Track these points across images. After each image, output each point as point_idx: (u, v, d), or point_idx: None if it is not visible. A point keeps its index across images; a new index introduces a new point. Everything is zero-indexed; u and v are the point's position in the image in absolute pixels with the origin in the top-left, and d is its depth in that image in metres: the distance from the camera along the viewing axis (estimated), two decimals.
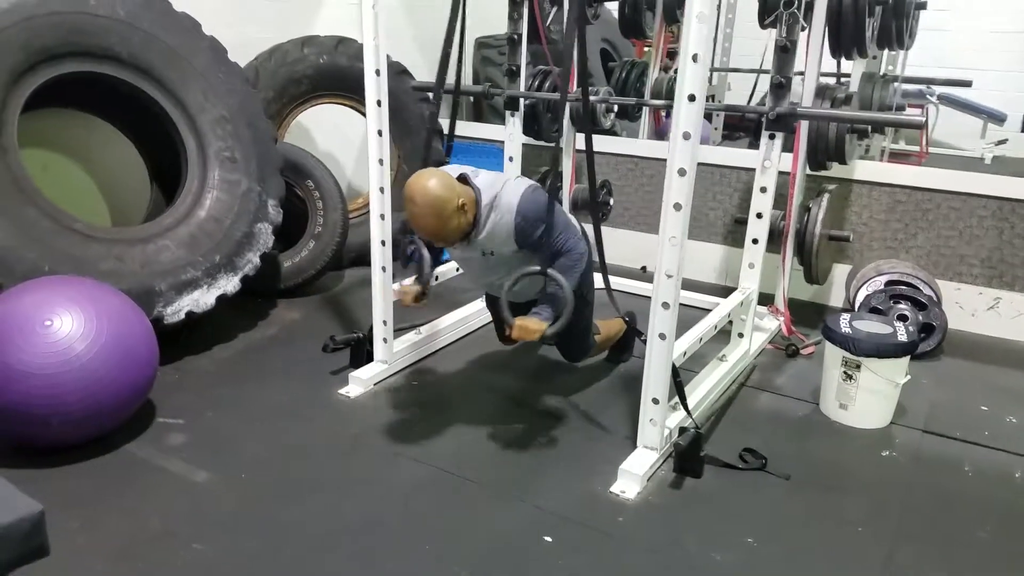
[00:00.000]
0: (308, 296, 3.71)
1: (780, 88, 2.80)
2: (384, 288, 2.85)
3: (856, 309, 3.42)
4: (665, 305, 2.26)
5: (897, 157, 5.04)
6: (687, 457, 2.36)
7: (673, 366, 2.36)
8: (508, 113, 3.47)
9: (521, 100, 3.47)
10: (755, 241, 3.02)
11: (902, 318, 3.26)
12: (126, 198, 3.50)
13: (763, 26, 2.80)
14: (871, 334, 2.67)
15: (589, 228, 2.64)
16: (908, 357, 2.68)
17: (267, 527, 2.09)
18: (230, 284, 3.05)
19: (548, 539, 2.07)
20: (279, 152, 3.40)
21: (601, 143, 4.29)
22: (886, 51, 3.90)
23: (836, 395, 2.75)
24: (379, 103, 2.67)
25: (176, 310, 2.89)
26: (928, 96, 5.44)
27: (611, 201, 3.92)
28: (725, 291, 3.71)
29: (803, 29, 2.76)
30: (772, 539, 2.12)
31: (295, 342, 3.20)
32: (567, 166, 3.90)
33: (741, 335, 3.11)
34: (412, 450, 2.47)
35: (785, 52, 2.77)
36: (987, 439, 2.64)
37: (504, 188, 2.33)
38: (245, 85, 3.33)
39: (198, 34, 3.20)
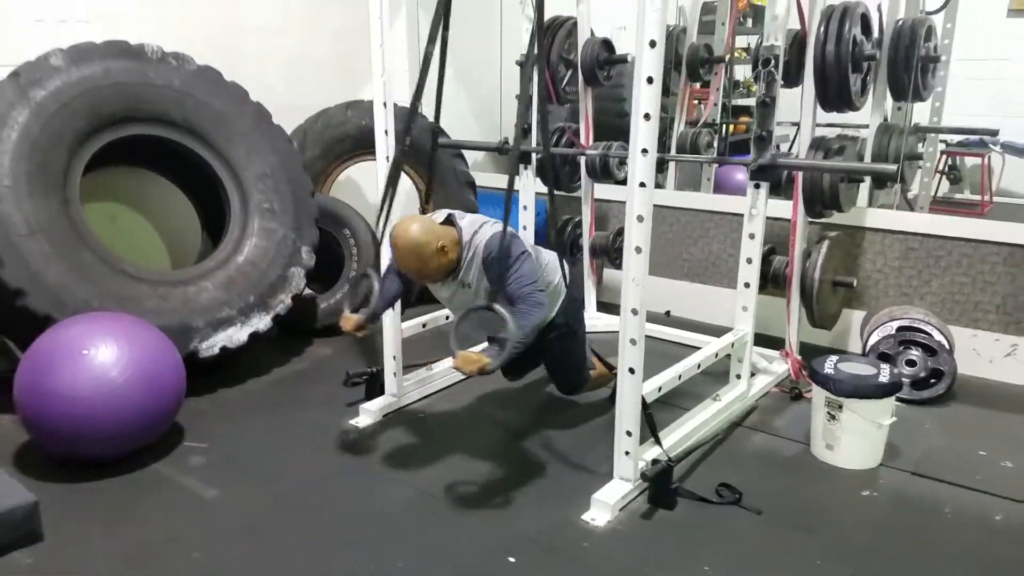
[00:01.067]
0: (342, 335, 3.93)
1: (761, 140, 2.89)
2: (394, 327, 3.04)
3: (866, 354, 3.39)
4: (632, 341, 2.36)
5: (956, 207, 4.95)
6: (657, 488, 2.43)
7: (643, 400, 2.44)
8: (521, 166, 3.66)
9: (533, 154, 3.65)
10: (747, 285, 3.07)
11: (911, 363, 3.22)
12: (183, 244, 3.85)
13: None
14: (852, 375, 2.68)
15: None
16: (892, 398, 2.67)
17: (259, 539, 2.27)
18: (262, 322, 3.31)
19: (512, 559, 2.17)
20: (315, 203, 3.68)
21: (621, 192, 4.44)
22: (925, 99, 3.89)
23: (823, 436, 2.75)
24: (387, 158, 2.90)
25: (211, 345, 3.16)
26: (991, 145, 5.31)
27: None
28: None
29: (782, 86, 2.86)
30: (729, 569, 2.15)
31: (321, 377, 3.42)
32: (586, 214, 4.06)
33: (739, 376, 3.14)
34: (404, 475, 2.63)
35: (765, 107, 2.86)
36: (976, 482, 2.59)
37: (481, 229, 2.50)
38: (287, 145, 3.65)
39: (245, 100, 3.55)
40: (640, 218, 2.23)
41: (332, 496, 2.50)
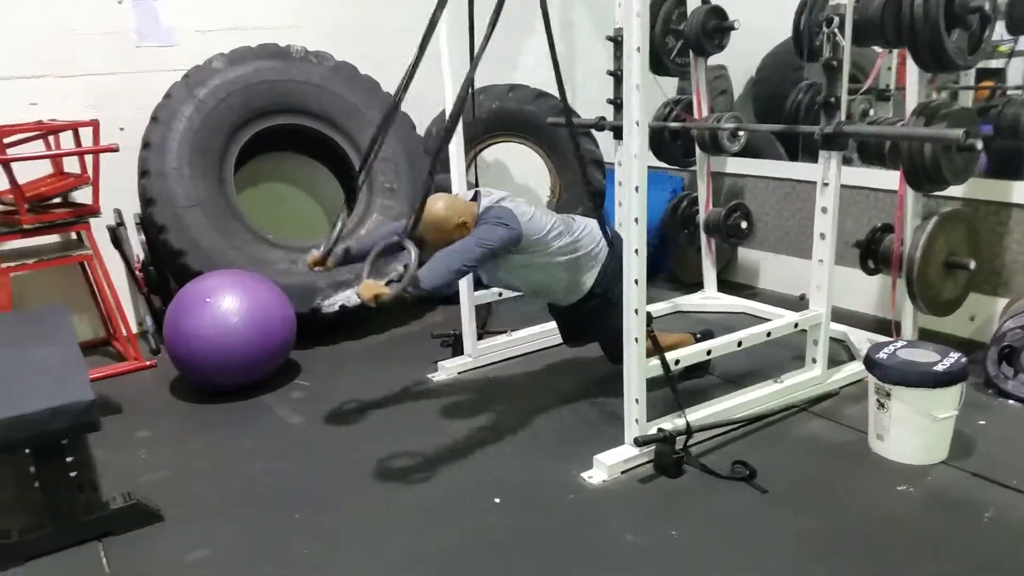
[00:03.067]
0: (456, 303, 4.36)
1: (828, 107, 2.77)
2: (469, 295, 3.39)
3: (991, 345, 3.08)
4: (636, 311, 2.48)
5: None
6: (659, 456, 2.53)
7: (667, 370, 2.56)
8: (617, 142, 3.79)
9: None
10: (820, 262, 2.96)
11: None
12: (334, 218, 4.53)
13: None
14: (903, 361, 2.52)
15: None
16: (952, 390, 2.47)
17: (310, 457, 2.77)
18: None
19: (497, 500, 2.44)
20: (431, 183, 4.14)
21: (756, 166, 4.36)
22: None
23: (874, 425, 2.62)
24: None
25: (331, 303, 3.77)
26: None
27: (743, 225, 3.96)
28: (879, 324, 3.61)
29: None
30: (695, 534, 2.23)
31: (425, 338, 3.87)
32: (701, 190, 4.07)
33: (814, 360, 3.05)
34: (447, 423, 2.99)
35: (831, 71, 2.74)
36: None
37: (495, 205, 2.75)
38: (410, 131, 4.17)
39: (375, 92, 4.11)
40: (637, 220, 2.36)
41: (385, 432, 2.93)
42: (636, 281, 2.47)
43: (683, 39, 3.82)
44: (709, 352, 2.80)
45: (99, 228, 3.78)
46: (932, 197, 3.35)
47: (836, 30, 2.70)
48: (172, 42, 4.10)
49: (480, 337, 3.68)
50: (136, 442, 2.95)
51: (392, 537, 2.29)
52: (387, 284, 2.50)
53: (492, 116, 4.64)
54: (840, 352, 3.42)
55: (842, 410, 2.94)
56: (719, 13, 3.71)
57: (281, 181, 4.53)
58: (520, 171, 5.27)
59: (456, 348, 3.55)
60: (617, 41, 3.64)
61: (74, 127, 3.47)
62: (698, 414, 2.76)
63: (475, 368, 3.48)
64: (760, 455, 2.62)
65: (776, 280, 4.41)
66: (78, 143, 3.52)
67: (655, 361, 2.62)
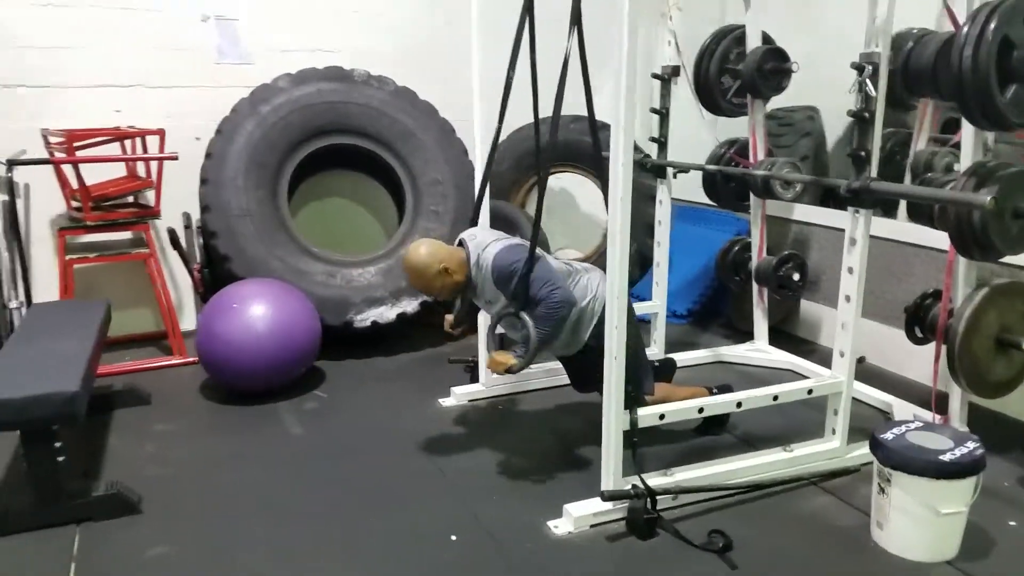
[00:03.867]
0: None
1: (858, 161, 2.60)
2: (485, 324, 3.39)
3: None
4: (615, 358, 2.41)
5: None
6: (632, 513, 2.43)
7: (633, 426, 2.47)
8: (658, 180, 3.69)
9: (669, 170, 3.66)
10: (843, 326, 2.76)
11: None
12: (392, 233, 4.67)
13: None
14: (911, 445, 2.31)
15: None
16: (958, 483, 2.24)
17: (300, 473, 2.84)
18: (411, 306, 3.94)
19: (453, 537, 2.42)
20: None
21: (822, 215, 4.12)
22: None
23: (875, 511, 2.42)
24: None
25: (364, 318, 3.88)
26: None
27: (795, 277, 3.75)
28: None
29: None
30: None
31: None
32: (755, 235, 3.89)
33: (834, 431, 2.84)
34: (436, 452, 3.00)
35: (863, 122, 2.57)
36: None
37: (485, 250, 2.74)
38: (461, 156, 4.24)
39: (432, 116, 4.21)
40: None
41: (369, 453, 2.97)
42: (616, 327, 2.38)
43: (739, 79, 3.69)
44: (701, 410, 2.67)
45: (165, 230, 4.10)
46: (1000, 264, 3.07)
47: (868, 79, 2.54)
48: (249, 60, 4.37)
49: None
50: (150, 434, 3.13)
51: (335, 562, 2.31)
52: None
53: (553, 147, 4.63)
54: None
55: (856, 490, 2.71)
56: (778, 55, 3.56)
57: (346, 197, 4.72)
58: (579, 203, 5.25)
59: (474, 375, 3.56)
60: (663, 79, 3.56)
61: (142, 134, 3.77)
62: (688, 474, 2.64)
63: (486, 398, 3.47)
64: (747, 527, 2.47)
65: (832, 339, 4.13)
66: (145, 149, 3.81)
67: (650, 411, 2.53)
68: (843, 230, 3.95)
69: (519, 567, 2.28)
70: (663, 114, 3.61)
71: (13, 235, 3.68)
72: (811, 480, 2.76)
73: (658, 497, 2.51)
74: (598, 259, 4.75)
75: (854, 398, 3.44)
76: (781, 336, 4.32)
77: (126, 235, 4.00)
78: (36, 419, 2.30)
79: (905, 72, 2.91)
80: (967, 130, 2.80)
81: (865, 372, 3.83)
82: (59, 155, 3.59)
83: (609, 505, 2.49)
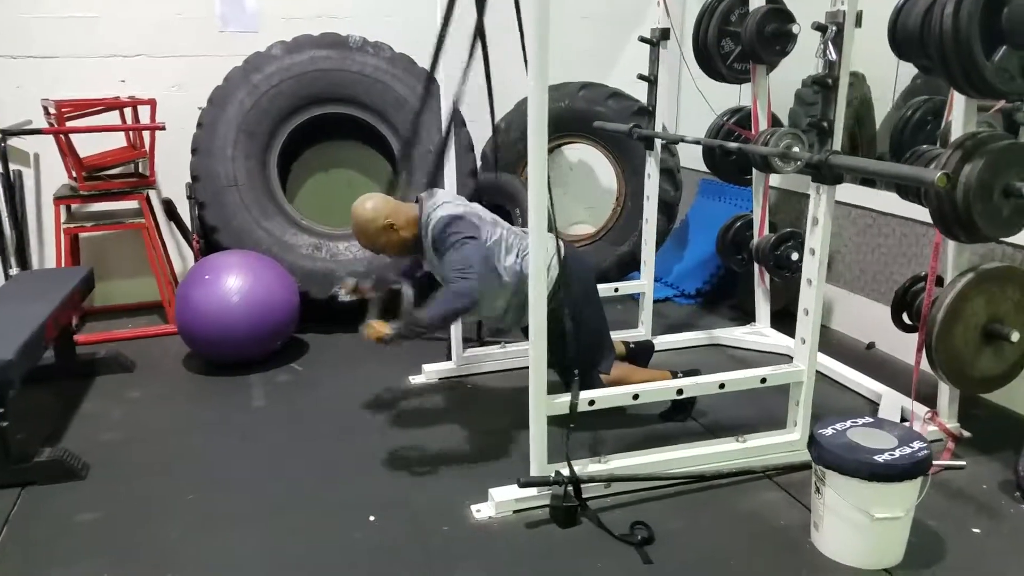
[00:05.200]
0: None
1: (821, 133, 2.43)
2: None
3: None
4: (537, 347, 2.35)
5: None
6: (554, 500, 2.39)
7: (573, 409, 2.42)
8: (647, 152, 3.55)
9: (657, 140, 3.52)
10: (806, 312, 2.61)
11: None
12: None
13: None
14: (847, 444, 2.17)
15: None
16: (894, 486, 2.09)
17: (248, 445, 2.92)
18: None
19: (372, 518, 2.44)
20: (473, 182, 4.18)
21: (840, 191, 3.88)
22: None
23: (813, 510, 2.30)
24: None
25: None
26: None
27: (794, 256, 3.56)
28: None
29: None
30: None
31: (435, 340, 3.90)
32: (756, 212, 3.72)
33: (795, 423, 2.71)
34: (388, 429, 3.02)
35: (825, 89, 2.40)
36: None
37: (437, 210, 2.70)
38: (465, 152, 4.21)
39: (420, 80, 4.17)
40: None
41: (321, 429, 3.02)
42: (536, 307, 2.32)
43: (740, 43, 3.50)
44: (636, 396, 2.58)
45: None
46: (1001, 243, 2.85)
47: (830, 42, 2.36)
48: (256, 28, 4.44)
49: (483, 344, 3.66)
50: (121, 401, 3.27)
51: (250, 534, 2.36)
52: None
53: (561, 116, 4.53)
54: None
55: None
56: (781, 15, 3.35)
57: (351, 168, 4.75)
58: (598, 176, 5.13)
59: (448, 351, 3.56)
60: (651, 42, 3.42)
61: (133, 104, 3.89)
62: (625, 462, 2.57)
63: (455, 376, 3.47)
64: (679, 520, 2.40)
65: (847, 323, 3.94)
66: (137, 120, 3.94)
67: (599, 394, 2.50)
68: (862, 207, 3.81)
69: (427, 549, 2.28)
70: (651, 81, 3.47)
71: (9, 205, 3.88)
72: (765, 473, 2.65)
73: (589, 484, 2.47)
74: (607, 234, 4.67)
75: (848, 387, 3.31)
76: (790, 319, 4.10)
77: (131, 205, 4.15)
78: None
79: (893, 36, 2.69)
80: (957, 98, 2.58)
81: (872, 359, 3.64)
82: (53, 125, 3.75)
83: (534, 491, 2.46)
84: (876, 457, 2.10)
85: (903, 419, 2.92)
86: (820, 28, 2.38)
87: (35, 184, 4.26)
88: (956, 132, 2.59)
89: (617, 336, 3.62)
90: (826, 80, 2.40)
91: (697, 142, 3.23)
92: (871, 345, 3.76)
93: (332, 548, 2.29)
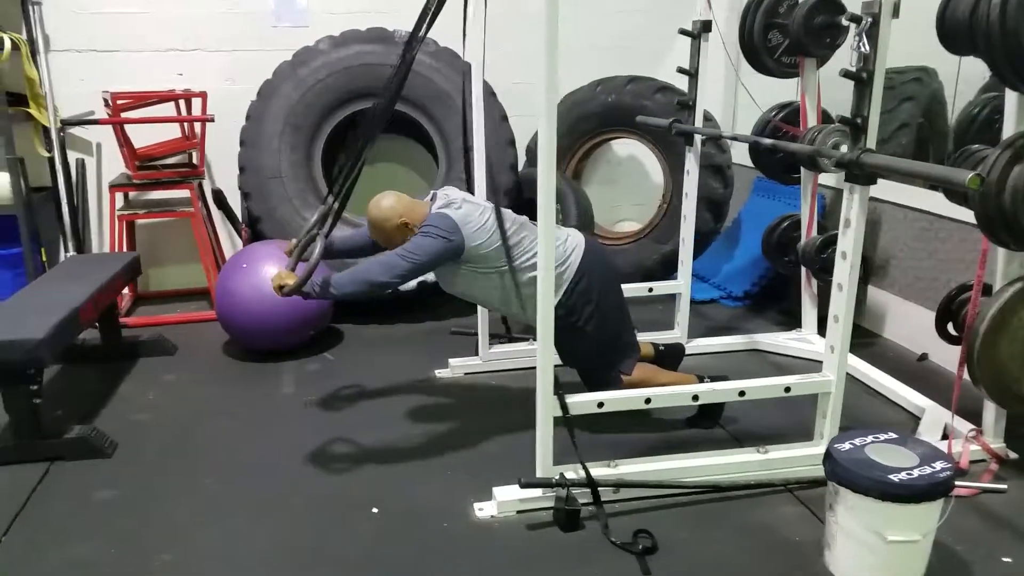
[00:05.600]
0: None
1: (855, 130, 2.30)
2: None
3: None
4: (544, 346, 2.31)
5: None
6: (557, 503, 2.34)
7: (565, 410, 2.37)
8: (687, 148, 3.44)
9: (697, 136, 3.40)
10: (835, 318, 2.48)
11: None
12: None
13: None
14: (863, 460, 2.05)
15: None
16: (910, 508, 1.97)
17: (271, 433, 2.97)
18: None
19: (375, 510, 2.44)
20: (511, 177, 4.15)
21: (894, 191, 3.70)
22: None
23: (826, 529, 2.18)
24: None
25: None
26: None
27: None
28: None
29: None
30: None
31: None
32: (804, 212, 3.57)
33: (822, 436, 2.58)
34: (406, 423, 3.03)
35: (860, 84, 2.26)
36: None
37: (442, 209, 2.68)
38: (499, 121, 4.19)
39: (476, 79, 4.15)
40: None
41: (344, 419, 3.04)
42: (543, 302, 2.28)
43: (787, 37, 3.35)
44: (649, 400, 2.49)
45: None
46: None
47: (864, 34, 2.23)
48: (307, 23, 4.52)
49: (511, 340, 3.63)
50: (157, 383, 3.38)
51: (254, 520, 2.40)
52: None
53: (608, 110, 4.47)
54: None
55: None
56: (831, 6, 3.18)
57: (398, 162, 4.80)
58: (648, 172, 5.03)
59: (476, 347, 3.55)
60: (692, 35, 3.31)
61: (185, 97, 4.01)
62: (636, 467, 2.50)
63: (481, 372, 3.45)
64: (687, 531, 2.32)
65: (901, 332, 3.74)
66: (190, 111, 4.05)
67: (588, 397, 2.43)
68: (918, 210, 3.61)
69: (424, 545, 2.27)
70: (692, 75, 3.35)
71: (68, 191, 4.06)
72: (787, 487, 2.53)
73: (599, 489, 2.41)
74: (652, 231, 4.57)
75: (891, 401, 3.14)
76: None
77: (184, 194, 4.28)
78: (6, 362, 2.54)
79: (941, 27, 2.53)
80: (1009, 95, 2.42)
81: (924, 371, 3.45)
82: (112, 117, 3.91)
83: (539, 492, 2.41)
84: (892, 476, 1.98)
85: (944, 436, 2.75)
86: (854, 19, 2.25)
87: (96, 173, 4.44)
88: (1008, 130, 2.42)
89: (651, 337, 3.56)
90: (860, 75, 2.27)
91: (734, 138, 3.11)
92: (924, 356, 3.55)
93: (329, 539, 2.31)
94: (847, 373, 3.33)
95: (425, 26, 2.74)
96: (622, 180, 5.15)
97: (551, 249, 2.25)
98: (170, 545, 2.27)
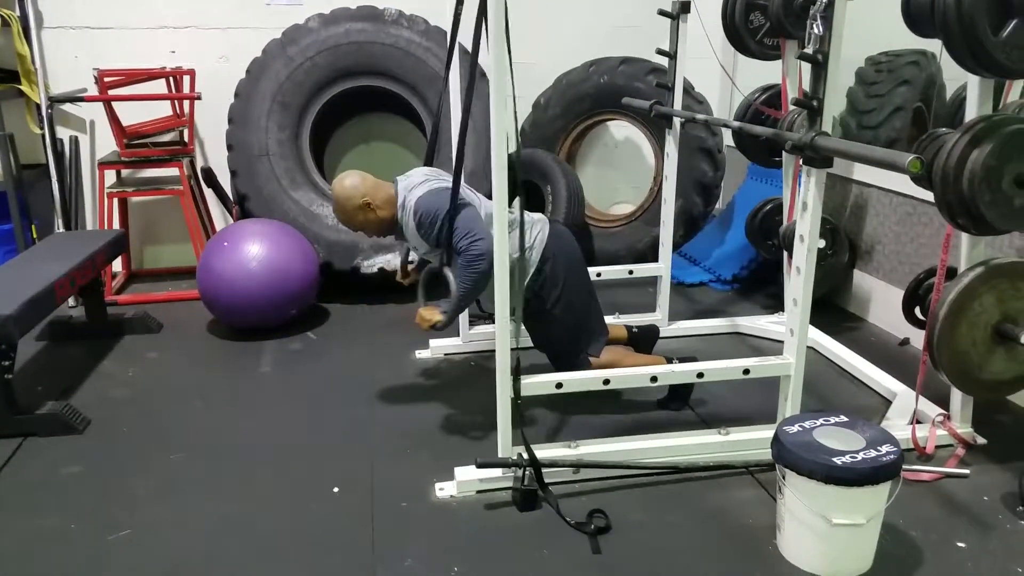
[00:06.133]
0: None
1: (812, 112, 2.28)
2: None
3: None
4: (501, 327, 2.33)
5: None
6: (515, 484, 2.37)
7: (517, 393, 2.38)
8: (667, 130, 3.42)
9: (675, 119, 3.38)
10: (794, 302, 2.47)
11: None
12: None
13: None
14: (809, 442, 2.06)
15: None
16: (853, 491, 1.96)
17: (243, 410, 3.02)
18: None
19: (336, 490, 2.48)
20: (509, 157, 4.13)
21: (880, 176, 3.67)
22: None
23: (777, 512, 2.19)
24: None
25: (371, 264, 3.99)
26: None
27: (822, 244, 3.36)
28: None
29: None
30: (471, 571, 2.08)
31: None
32: (785, 196, 3.54)
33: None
34: (377, 403, 3.06)
35: (816, 67, 2.24)
36: None
37: (411, 192, 2.68)
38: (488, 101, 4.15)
39: (463, 59, 4.14)
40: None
41: (317, 398, 3.08)
42: (499, 286, 2.29)
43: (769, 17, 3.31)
44: (607, 381, 2.50)
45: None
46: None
47: (818, 15, 2.20)
48: (300, 1, 4.54)
49: (491, 321, 3.63)
50: (139, 360, 3.44)
51: (214, 497, 2.44)
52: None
53: (599, 91, 4.45)
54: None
55: None
56: None
57: (392, 141, 4.82)
58: (632, 154, 5.00)
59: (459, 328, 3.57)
60: (671, 16, 3.28)
61: (174, 75, 4.05)
62: (596, 448, 2.52)
63: (462, 352, 3.47)
64: (642, 512, 2.34)
65: (884, 316, 3.71)
66: (180, 89, 4.09)
67: (546, 378, 2.45)
68: (903, 194, 3.57)
69: (379, 524, 2.30)
70: (671, 56, 3.33)
71: (58, 169, 4.12)
72: (748, 470, 2.54)
73: (556, 469, 2.44)
74: (643, 214, 4.55)
75: (866, 385, 3.14)
76: (828, 309, 3.93)
77: (173, 172, 4.32)
78: None
79: (907, 10, 2.49)
80: (971, 79, 2.38)
81: (904, 356, 3.43)
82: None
83: (498, 472, 2.44)
84: (835, 459, 1.98)
85: (918, 421, 2.74)
86: (805, 2, 2.23)
87: (90, 150, 4.50)
88: (969, 115, 2.38)
89: (633, 319, 3.58)
90: (816, 57, 2.25)
91: (705, 121, 3.09)
92: (905, 341, 3.53)
93: (285, 517, 2.34)
94: (826, 357, 3.39)
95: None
96: (619, 163, 5.14)
97: (504, 235, 2.26)
98: (128, 520, 2.32)
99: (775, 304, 4.03)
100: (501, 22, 2.13)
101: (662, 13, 3.29)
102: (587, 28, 4.82)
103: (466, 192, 2.76)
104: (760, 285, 4.33)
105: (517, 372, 2.39)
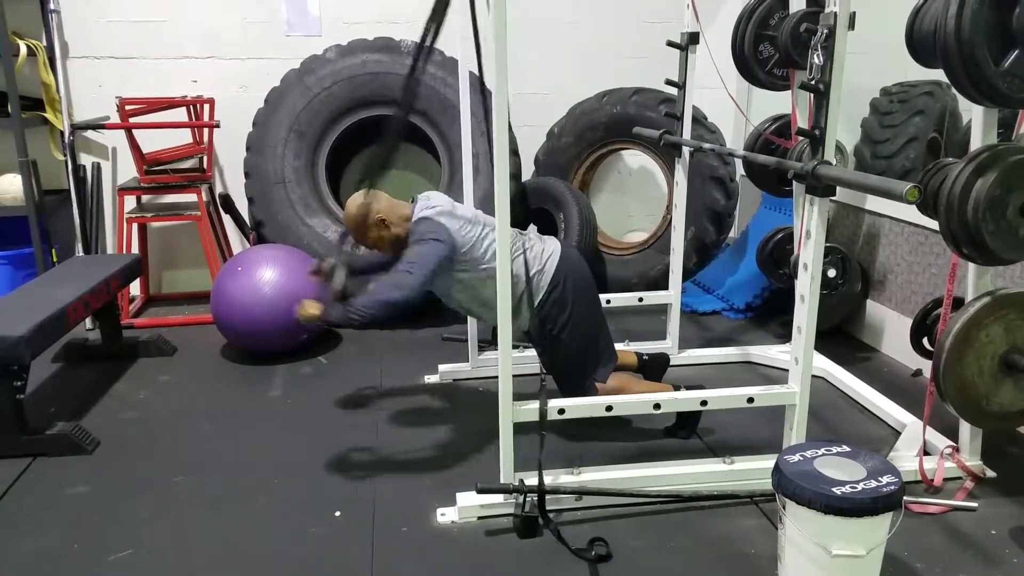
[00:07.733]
0: None
1: (814, 140, 2.30)
2: None
3: None
4: (505, 358, 2.35)
5: None
6: (516, 510, 2.37)
7: (543, 417, 2.39)
8: (676, 159, 3.45)
9: (685, 148, 3.42)
10: (799, 330, 2.47)
11: None
12: None
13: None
14: (810, 472, 2.05)
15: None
16: (852, 521, 1.95)
17: (251, 435, 3.05)
18: None
19: (337, 513, 2.49)
20: (514, 186, 4.18)
21: (892, 205, 3.66)
22: None
23: (778, 542, 2.17)
24: None
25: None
26: None
27: (831, 273, 3.37)
28: None
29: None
30: None
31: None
32: (796, 225, 3.55)
33: None
34: (386, 427, 3.08)
35: (817, 96, 2.26)
36: None
37: (423, 212, 2.73)
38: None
39: (475, 87, 4.22)
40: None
41: (324, 422, 3.11)
42: (501, 311, 2.32)
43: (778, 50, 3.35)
44: (610, 408, 2.50)
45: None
46: None
47: (819, 46, 2.23)
48: (319, 32, 4.65)
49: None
50: (151, 383, 3.50)
51: (215, 518, 2.47)
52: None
53: (612, 121, 4.50)
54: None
55: None
56: (819, 18, 3.17)
57: (407, 169, 4.90)
58: (647, 183, 5.03)
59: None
60: (680, 47, 3.32)
61: (194, 103, 4.15)
62: (598, 475, 2.52)
63: (470, 378, 3.49)
64: (643, 541, 2.33)
65: (897, 345, 3.68)
66: (200, 117, 4.19)
67: (569, 402, 2.47)
68: (914, 224, 3.57)
69: (378, 549, 2.31)
70: (680, 86, 3.37)
71: (79, 194, 4.23)
72: (752, 499, 2.53)
73: (558, 496, 2.44)
74: (656, 242, 4.58)
75: (875, 414, 3.12)
76: (840, 338, 3.92)
77: (192, 198, 4.42)
78: None
79: (911, 40, 2.52)
80: (975, 109, 2.40)
81: (917, 387, 3.40)
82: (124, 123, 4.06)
83: (500, 498, 2.45)
84: (835, 489, 1.97)
85: (926, 452, 2.72)
86: (810, 31, 2.26)
87: (112, 177, 4.61)
88: (974, 144, 2.40)
89: (643, 347, 3.58)
90: (817, 86, 2.27)
91: (713, 150, 3.12)
92: (918, 372, 3.50)
93: (285, 540, 2.36)
94: (838, 388, 3.37)
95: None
96: (632, 191, 5.17)
97: (506, 260, 2.28)
98: (130, 540, 2.35)
99: (787, 333, 4.01)
100: (504, 51, 2.17)
101: (671, 44, 3.33)
102: (600, 59, 4.89)
103: (480, 217, 2.80)
104: (773, 314, 4.32)
105: (543, 398, 2.40)
